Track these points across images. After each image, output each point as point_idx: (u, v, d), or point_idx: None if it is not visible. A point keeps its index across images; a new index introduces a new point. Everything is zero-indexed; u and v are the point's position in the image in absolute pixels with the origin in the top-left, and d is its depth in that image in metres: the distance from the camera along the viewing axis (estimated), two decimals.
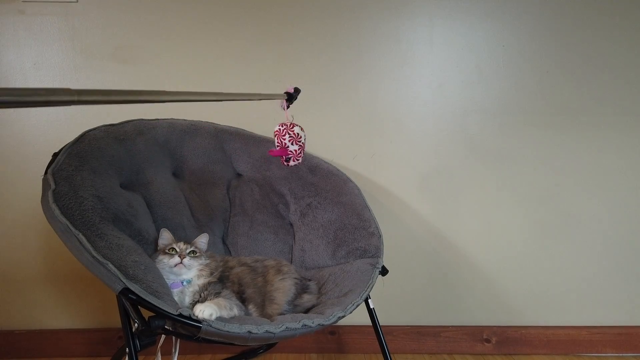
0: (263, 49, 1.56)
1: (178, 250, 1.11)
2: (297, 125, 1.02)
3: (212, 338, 0.92)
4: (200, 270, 1.11)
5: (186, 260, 1.08)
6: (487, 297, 1.68)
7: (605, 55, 1.59)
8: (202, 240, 1.19)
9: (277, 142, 1.00)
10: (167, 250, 1.10)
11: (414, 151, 1.62)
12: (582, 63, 1.59)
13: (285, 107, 0.99)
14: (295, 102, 1.58)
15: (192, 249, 1.13)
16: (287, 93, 0.98)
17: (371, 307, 1.23)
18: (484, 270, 1.67)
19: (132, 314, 0.91)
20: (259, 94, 0.93)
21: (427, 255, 1.66)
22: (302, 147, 1.03)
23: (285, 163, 0.99)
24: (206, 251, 1.20)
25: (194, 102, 1.56)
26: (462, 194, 1.63)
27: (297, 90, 0.99)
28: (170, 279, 1.07)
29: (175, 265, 1.07)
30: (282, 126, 1.01)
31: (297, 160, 1.01)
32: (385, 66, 1.58)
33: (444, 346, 1.69)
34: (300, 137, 1.03)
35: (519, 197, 1.64)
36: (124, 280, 0.87)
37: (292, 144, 1.00)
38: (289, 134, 1.00)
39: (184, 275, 1.09)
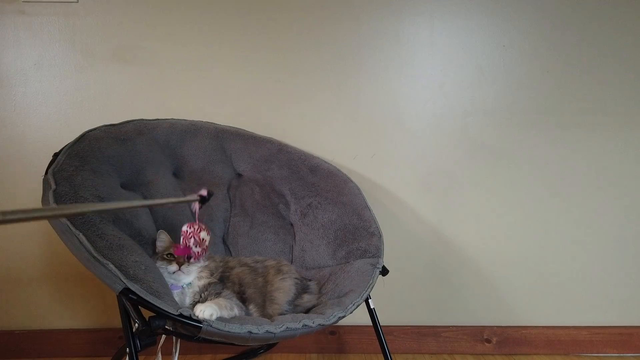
0: (262, 49, 1.56)
1: (176, 256, 1.10)
2: (204, 229, 1.08)
3: (213, 338, 0.92)
4: (200, 272, 1.11)
5: (184, 267, 1.08)
6: (487, 297, 1.68)
7: (607, 54, 1.58)
8: None
9: (182, 242, 1.07)
10: (165, 256, 1.10)
11: (414, 151, 1.62)
12: (584, 63, 1.59)
13: (197, 210, 1.05)
14: (295, 102, 1.59)
15: None
16: (200, 196, 1.03)
17: (371, 307, 1.23)
18: (484, 270, 1.67)
19: (133, 314, 0.92)
20: (174, 198, 0.97)
21: (428, 255, 1.66)
22: (205, 249, 1.10)
23: (187, 260, 1.09)
24: None
25: (194, 101, 1.56)
26: (462, 194, 1.63)
27: (210, 194, 1.05)
28: (170, 282, 1.07)
29: (174, 272, 1.07)
30: (190, 228, 1.07)
31: (198, 260, 1.10)
32: (385, 66, 1.58)
33: (444, 346, 1.69)
34: (205, 241, 1.09)
35: (519, 197, 1.63)
36: (125, 281, 0.87)
37: (195, 246, 1.07)
38: (194, 237, 1.07)
39: (183, 280, 1.09)
